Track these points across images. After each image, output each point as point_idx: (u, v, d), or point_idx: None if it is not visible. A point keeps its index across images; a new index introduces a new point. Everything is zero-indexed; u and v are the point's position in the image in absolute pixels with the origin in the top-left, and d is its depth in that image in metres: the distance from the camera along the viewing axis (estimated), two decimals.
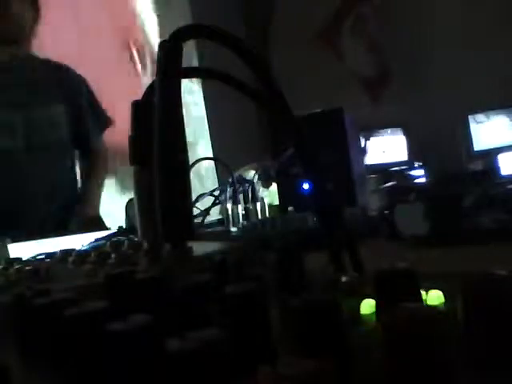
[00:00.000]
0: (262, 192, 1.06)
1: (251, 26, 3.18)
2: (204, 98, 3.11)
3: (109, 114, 1.65)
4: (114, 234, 0.86)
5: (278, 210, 1.01)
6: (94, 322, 0.22)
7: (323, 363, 0.17)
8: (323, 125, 0.96)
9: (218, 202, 1.04)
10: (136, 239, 0.54)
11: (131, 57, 2.86)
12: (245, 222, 0.91)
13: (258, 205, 0.95)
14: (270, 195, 1.11)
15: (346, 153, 0.96)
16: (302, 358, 0.18)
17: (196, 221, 0.94)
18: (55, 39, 2.24)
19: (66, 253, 0.54)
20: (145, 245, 0.49)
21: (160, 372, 0.19)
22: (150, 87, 0.49)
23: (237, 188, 0.93)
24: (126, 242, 0.53)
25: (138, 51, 2.88)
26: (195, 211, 0.98)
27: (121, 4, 2.90)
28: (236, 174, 0.99)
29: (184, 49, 0.42)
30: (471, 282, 0.21)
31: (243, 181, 0.97)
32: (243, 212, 0.93)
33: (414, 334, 0.18)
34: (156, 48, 0.42)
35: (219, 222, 1.02)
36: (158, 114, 0.40)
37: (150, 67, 2.86)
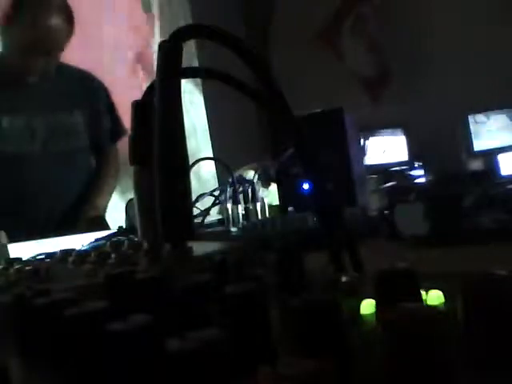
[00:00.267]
0: (262, 192, 1.06)
1: (251, 26, 3.18)
2: (204, 98, 3.11)
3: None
4: (114, 234, 0.86)
5: (277, 210, 1.01)
6: (94, 321, 0.22)
7: (323, 363, 0.17)
8: (323, 125, 0.96)
9: (218, 202, 1.04)
10: (136, 239, 0.54)
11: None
12: (245, 222, 0.91)
13: (258, 205, 0.95)
14: (270, 195, 1.11)
15: (345, 153, 0.96)
16: (302, 358, 0.18)
17: (196, 221, 0.94)
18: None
19: (66, 253, 0.53)
20: (145, 245, 0.49)
21: (160, 372, 0.19)
22: (150, 87, 0.49)
23: (237, 188, 0.93)
24: (126, 242, 0.53)
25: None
26: (195, 211, 0.98)
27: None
28: (236, 174, 0.99)
29: (184, 49, 0.42)
30: (471, 282, 0.21)
31: (243, 181, 0.97)
32: (243, 212, 0.93)
33: (414, 334, 0.18)
34: None
35: (219, 222, 1.02)
36: (158, 114, 0.40)
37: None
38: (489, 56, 2.66)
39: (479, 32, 2.68)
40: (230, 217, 0.92)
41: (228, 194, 0.93)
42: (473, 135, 2.68)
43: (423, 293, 0.26)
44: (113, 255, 0.47)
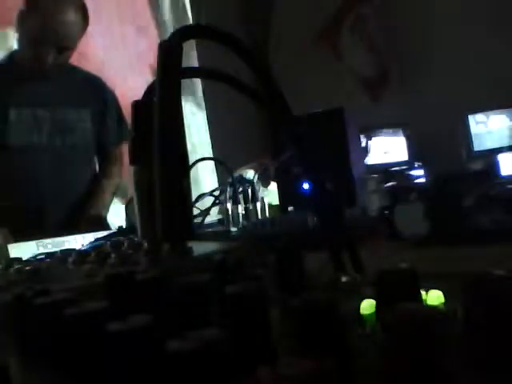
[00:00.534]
0: (262, 192, 1.05)
1: (251, 26, 3.18)
2: (204, 98, 3.11)
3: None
4: (114, 234, 0.86)
5: (277, 210, 1.01)
6: (94, 321, 0.22)
7: (323, 363, 0.17)
8: (323, 125, 0.96)
9: (218, 202, 1.04)
10: (136, 239, 0.54)
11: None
12: (245, 222, 0.91)
13: (258, 205, 0.95)
14: (270, 195, 1.11)
15: (346, 153, 0.96)
16: (302, 358, 0.18)
17: (196, 221, 0.94)
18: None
19: (66, 253, 0.54)
20: (145, 245, 0.49)
21: (160, 372, 0.19)
22: (150, 87, 0.49)
23: (237, 188, 0.93)
24: (126, 242, 0.53)
25: None
26: (195, 211, 0.98)
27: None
28: (236, 174, 0.99)
29: (184, 49, 0.42)
30: (471, 282, 0.21)
31: (243, 181, 0.97)
32: (243, 212, 0.93)
33: (414, 334, 0.18)
34: None
35: (219, 222, 1.02)
36: (157, 113, 0.40)
37: None
38: (489, 56, 2.66)
39: (479, 32, 2.68)
40: (230, 217, 0.92)
41: (228, 194, 0.93)
42: (473, 135, 2.68)
43: (423, 293, 0.26)
44: (113, 255, 0.47)
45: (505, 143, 2.59)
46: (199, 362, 0.17)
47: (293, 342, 0.20)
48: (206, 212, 1.01)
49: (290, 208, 0.92)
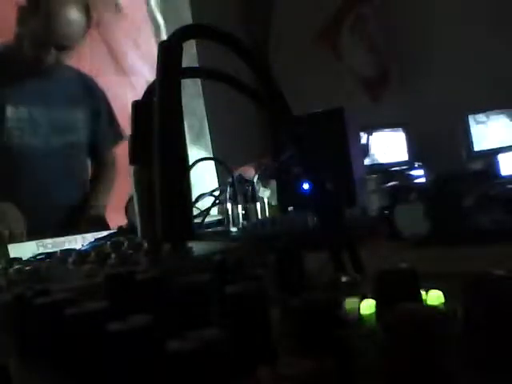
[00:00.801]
0: (262, 191, 1.05)
1: (251, 26, 3.18)
2: (204, 98, 3.11)
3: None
4: (114, 234, 0.86)
5: (277, 210, 1.01)
6: (94, 321, 0.22)
7: (323, 363, 0.17)
8: (323, 125, 0.96)
9: (218, 202, 1.04)
10: (136, 239, 0.54)
11: None
12: (245, 222, 0.91)
13: (258, 205, 0.95)
14: (271, 194, 1.11)
15: (346, 153, 0.96)
16: (302, 358, 0.18)
17: (196, 221, 0.94)
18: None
19: (66, 253, 0.54)
20: (145, 245, 0.49)
21: (160, 372, 0.19)
22: (150, 87, 0.49)
23: (237, 188, 0.93)
24: (126, 242, 0.53)
25: None
26: (195, 211, 0.98)
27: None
28: (236, 174, 0.99)
29: (184, 49, 0.42)
30: (471, 282, 0.21)
31: (243, 181, 0.97)
32: (243, 212, 0.93)
33: (414, 334, 0.18)
34: None
35: (219, 222, 1.02)
36: (157, 114, 0.40)
37: None
38: (489, 56, 2.66)
39: (479, 32, 2.68)
40: (230, 217, 0.92)
41: (228, 194, 0.93)
42: (473, 135, 2.68)
43: (423, 293, 0.26)
44: (113, 255, 0.47)
45: (505, 143, 2.59)
46: (199, 361, 0.17)
47: (293, 342, 0.20)
48: (206, 212, 1.01)
49: (290, 208, 0.92)
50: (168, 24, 2.97)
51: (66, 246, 0.84)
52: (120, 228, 0.94)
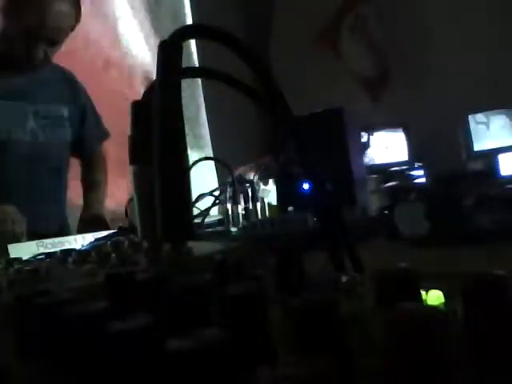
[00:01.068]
0: (262, 192, 1.05)
1: (251, 26, 3.18)
2: (204, 97, 3.11)
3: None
4: (114, 234, 0.86)
5: (277, 210, 1.01)
6: (94, 321, 0.22)
7: (323, 363, 0.17)
8: (323, 125, 0.96)
9: (218, 201, 1.04)
10: (136, 239, 0.54)
11: None
12: (245, 222, 0.91)
13: (258, 205, 0.95)
14: (270, 195, 1.11)
15: (346, 153, 0.96)
16: (302, 358, 0.18)
17: (196, 221, 0.94)
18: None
19: (66, 253, 0.54)
20: (145, 245, 0.49)
21: (160, 372, 0.19)
22: (150, 87, 0.49)
23: (237, 188, 0.93)
24: (126, 242, 0.53)
25: None
26: (195, 211, 0.98)
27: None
28: (236, 174, 0.99)
29: (184, 49, 0.42)
30: (471, 282, 0.21)
31: (243, 181, 0.97)
32: (243, 212, 0.93)
33: (414, 334, 0.18)
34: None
35: (219, 221, 1.02)
36: (157, 113, 0.40)
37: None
38: (489, 56, 2.66)
39: (479, 32, 2.68)
40: (230, 217, 0.92)
41: (228, 194, 0.93)
42: (473, 135, 2.68)
43: (423, 293, 0.26)
44: (113, 255, 0.47)
45: (505, 143, 2.59)
46: (199, 361, 0.17)
47: (293, 342, 0.20)
48: (206, 212, 1.01)
49: (290, 208, 0.92)
50: None
51: (66, 246, 0.84)
52: (120, 228, 0.94)
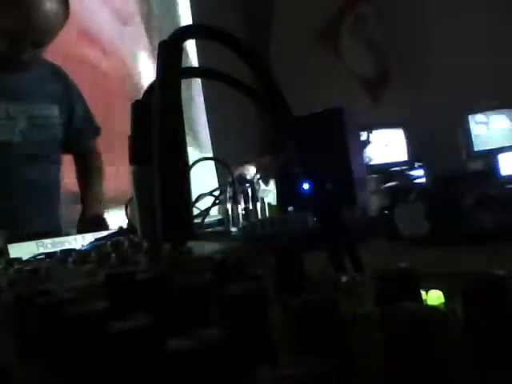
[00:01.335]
0: (262, 192, 1.05)
1: (251, 26, 3.18)
2: (204, 97, 3.11)
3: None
4: (114, 234, 0.86)
5: (277, 210, 1.01)
6: (94, 322, 0.22)
7: (323, 363, 0.17)
8: (323, 125, 0.96)
9: (218, 201, 1.04)
10: (136, 239, 0.54)
11: None
12: (245, 222, 0.91)
13: (258, 205, 0.95)
14: (270, 195, 1.11)
15: (346, 153, 0.96)
16: (302, 358, 0.18)
17: (196, 221, 0.94)
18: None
19: (66, 253, 0.54)
20: (145, 245, 0.49)
21: (160, 372, 0.19)
22: (150, 87, 0.49)
23: (237, 188, 0.93)
24: (126, 241, 0.53)
25: None
26: (195, 211, 0.98)
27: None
28: (236, 173, 0.99)
29: (184, 49, 0.42)
30: (471, 282, 0.21)
31: (243, 181, 0.97)
32: (243, 212, 0.93)
33: (414, 334, 0.18)
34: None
35: (219, 221, 1.02)
36: (157, 114, 0.40)
37: None
38: (489, 56, 2.66)
39: (479, 32, 2.68)
40: (230, 217, 0.92)
41: (228, 194, 0.93)
42: (473, 135, 2.68)
43: (423, 293, 0.26)
44: (113, 255, 0.47)
45: (505, 143, 2.59)
46: (199, 361, 0.17)
47: (293, 342, 0.20)
48: (206, 212, 1.01)
49: (290, 208, 0.92)
50: None
51: (66, 246, 0.84)
52: (120, 228, 0.94)
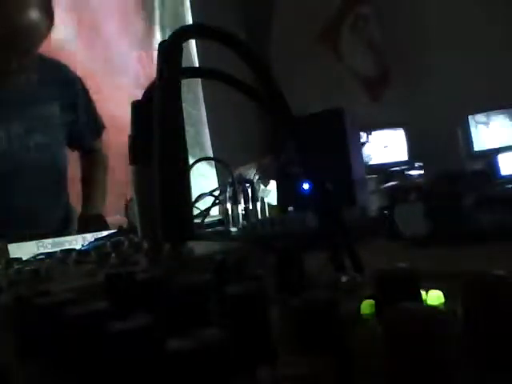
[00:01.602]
0: (262, 192, 1.05)
1: (251, 25, 3.18)
2: (204, 97, 3.11)
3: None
4: (114, 234, 0.86)
5: (277, 210, 1.01)
6: (94, 322, 0.22)
7: (323, 363, 0.17)
8: (323, 125, 0.96)
9: (218, 202, 1.04)
10: (136, 239, 0.54)
11: None
12: (245, 222, 0.91)
13: (258, 205, 0.95)
14: (270, 195, 1.11)
15: (346, 153, 0.96)
16: (302, 358, 0.18)
17: (196, 221, 0.94)
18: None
19: (66, 253, 0.54)
20: (145, 245, 0.49)
21: (160, 372, 0.19)
22: (150, 87, 0.49)
23: (237, 188, 0.93)
24: (126, 241, 0.53)
25: None
26: (195, 211, 0.98)
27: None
28: (236, 173, 0.99)
29: (184, 49, 0.42)
30: (471, 282, 0.21)
31: (243, 181, 0.97)
32: (243, 212, 0.93)
33: (414, 334, 0.18)
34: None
35: (219, 221, 1.02)
36: (157, 113, 0.40)
37: None
38: (489, 56, 2.66)
39: (479, 32, 2.68)
40: (230, 217, 0.92)
41: (228, 194, 0.93)
42: (473, 135, 2.68)
43: (423, 293, 0.26)
44: (113, 255, 0.47)
45: (505, 143, 2.59)
46: (199, 361, 0.17)
47: (293, 342, 0.20)
48: (206, 212, 1.01)
49: (290, 208, 0.92)
50: None
51: (66, 246, 0.84)
52: (120, 228, 0.94)
